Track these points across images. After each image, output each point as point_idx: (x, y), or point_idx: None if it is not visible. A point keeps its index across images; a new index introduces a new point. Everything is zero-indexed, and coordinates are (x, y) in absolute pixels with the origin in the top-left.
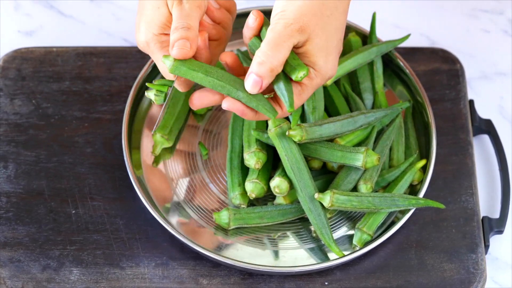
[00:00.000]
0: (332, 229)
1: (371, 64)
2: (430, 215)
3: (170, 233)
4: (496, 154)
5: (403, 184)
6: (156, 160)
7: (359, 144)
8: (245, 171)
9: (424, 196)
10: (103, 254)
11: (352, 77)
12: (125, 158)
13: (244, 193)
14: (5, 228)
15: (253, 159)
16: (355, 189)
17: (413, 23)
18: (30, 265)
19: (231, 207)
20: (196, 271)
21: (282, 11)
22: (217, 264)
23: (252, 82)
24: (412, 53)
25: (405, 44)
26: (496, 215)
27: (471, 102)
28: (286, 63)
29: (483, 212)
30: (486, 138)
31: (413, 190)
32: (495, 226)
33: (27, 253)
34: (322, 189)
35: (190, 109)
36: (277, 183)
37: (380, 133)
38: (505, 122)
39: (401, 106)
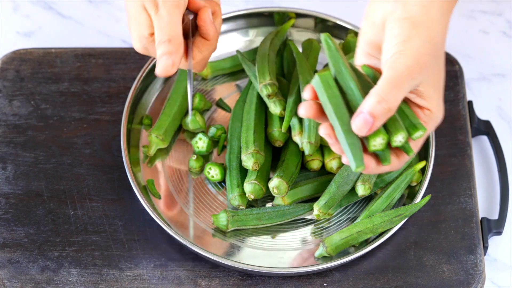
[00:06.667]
0: (329, 230)
1: None
2: (428, 216)
3: (169, 234)
4: (494, 155)
5: (401, 185)
6: (151, 161)
7: None
8: (243, 172)
9: (423, 197)
10: (102, 255)
11: None
12: (124, 160)
13: (243, 194)
14: (4, 229)
15: (251, 160)
16: (353, 189)
17: None
18: (29, 266)
19: (229, 209)
20: (195, 272)
21: (400, 50)
22: (216, 266)
23: (363, 121)
24: None
25: None
26: (495, 216)
27: (470, 103)
28: (403, 117)
29: (482, 213)
30: (485, 139)
31: (411, 191)
32: (494, 227)
33: (25, 254)
34: (321, 190)
35: (187, 111)
36: (276, 184)
37: None
38: (504, 123)
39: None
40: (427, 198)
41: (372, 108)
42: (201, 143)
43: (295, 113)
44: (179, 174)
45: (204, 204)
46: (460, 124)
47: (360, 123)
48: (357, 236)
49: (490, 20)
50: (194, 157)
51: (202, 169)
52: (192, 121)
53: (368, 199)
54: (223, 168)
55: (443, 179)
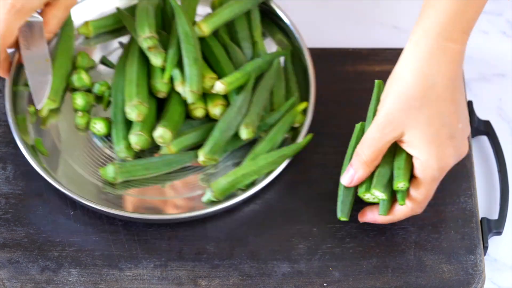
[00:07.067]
0: (217, 176)
1: (248, 14)
2: (428, 216)
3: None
4: (494, 156)
5: (284, 126)
6: (43, 122)
7: (240, 88)
8: (129, 125)
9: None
10: (102, 255)
11: (230, 27)
12: (9, 120)
13: (129, 146)
14: (4, 229)
15: (134, 112)
16: (237, 134)
17: (412, 24)
18: (29, 266)
19: (117, 161)
20: (195, 272)
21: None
22: (216, 265)
23: (348, 173)
24: None
25: (403, 45)
26: (494, 216)
27: (470, 103)
28: (394, 170)
29: (481, 213)
30: (484, 139)
31: (295, 132)
32: (494, 227)
33: (25, 254)
34: (206, 137)
35: (73, 68)
36: (160, 133)
37: (260, 78)
38: (503, 123)
39: (278, 55)
40: (309, 137)
41: (352, 161)
42: (79, 100)
43: (176, 64)
44: (68, 131)
45: (92, 159)
46: None
47: (346, 174)
48: (243, 179)
49: (490, 20)
50: (80, 114)
51: (88, 125)
52: (78, 79)
53: (252, 143)
54: (108, 122)
55: (443, 179)
